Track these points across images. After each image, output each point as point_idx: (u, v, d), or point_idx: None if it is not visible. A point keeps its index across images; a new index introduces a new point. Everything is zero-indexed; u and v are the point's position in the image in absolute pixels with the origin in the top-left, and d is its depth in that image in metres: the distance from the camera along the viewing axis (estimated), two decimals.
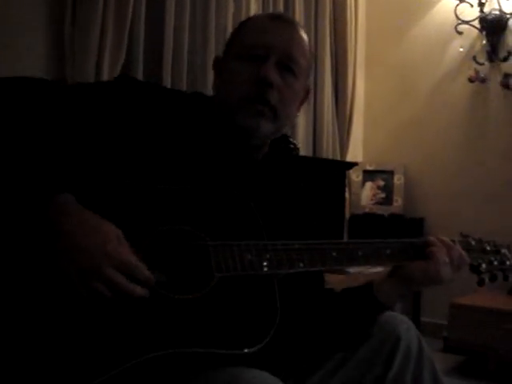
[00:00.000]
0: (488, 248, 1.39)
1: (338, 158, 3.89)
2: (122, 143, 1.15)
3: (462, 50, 3.83)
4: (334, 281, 2.78)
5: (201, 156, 1.22)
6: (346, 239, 3.23)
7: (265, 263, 1.11)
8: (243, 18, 3.11)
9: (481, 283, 1.37)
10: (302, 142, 3.59)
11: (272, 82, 1.21)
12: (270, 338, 1.04)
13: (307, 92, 1.37)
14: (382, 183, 4.04)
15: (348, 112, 3.98)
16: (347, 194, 3.87)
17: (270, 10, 3.41)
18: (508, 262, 1.39)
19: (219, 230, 1.11)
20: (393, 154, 4.11)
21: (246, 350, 1.02)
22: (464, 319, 3.23)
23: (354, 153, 4.14)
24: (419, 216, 3.93)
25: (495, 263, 1.38)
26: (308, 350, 1.31)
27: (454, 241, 1.32)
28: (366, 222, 3.90)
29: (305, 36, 1.31)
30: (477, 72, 3.76)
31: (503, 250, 1.40)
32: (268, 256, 1.12)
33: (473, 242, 1.38)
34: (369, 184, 4.06)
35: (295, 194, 1.39)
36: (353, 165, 3.62)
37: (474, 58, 3.77)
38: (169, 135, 1.20)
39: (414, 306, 3.86)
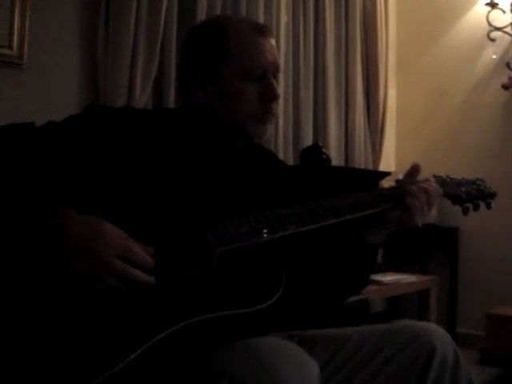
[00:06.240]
0: (463, 182, 1.50)
1: (371, 168, 3.87)
2: (107, 164, 1.23)
3: (494, 57, 3.79)
4: (369, 291, 2.77)
5: (184, 158, 1.31)
6: (380, 250, 3.20)
7: (259, 231, 1.20)
8: (274, 29, 3.13)
9: (465, 212, 1.49)
10: (333, 151, 3.59)
11: (279, 96, 1.37)
12: (280, 294, 1.14)
13: None
14: None
15: (380, 121, 3.96)
16: None
17: (301, 20, 3.42)
18: (485, 190, 1.50)
19: (213, 217, 1.20)
20: (426, 162, 4.04)
21: (257, 307, 1.10)
22: (502, 330, 3.18)
23: (387, 162, 4.11)
24: (453, 226, 3.88)
25: (473, 192, 1.49)
26: (317, 300, 1.41)
27: (428, 179, 1.43)
28: (400, 233, 3.86)
29: None
30: (510, 79, 3.71)
31: (478, 181, 1.52)
32: (260, 225, 1.21)
33: (448, 179, 1.49)
34: None
35: (276, 171, 1.49)
36: (385, 174, 3.59)
37: (508, 65, 3.73)
38: (148, 147, 1.29)
39: (449, 317, 3.81)
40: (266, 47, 1.35)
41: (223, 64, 1.33)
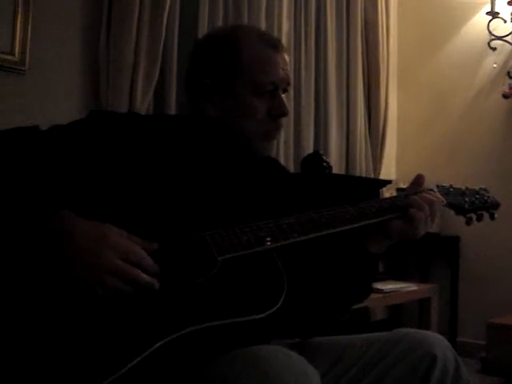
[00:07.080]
0: (466, 191, 1.48)
1: (371, 176, 3.87)
2: (112, 169, 1.23)
3: (495, 65, 3.79)
4: (370, 299, 2.76)
5: (187, 166, 1.30)
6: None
7: (261, 240, 1.20)
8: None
9: (468, 223, 1.48)
10: (334, 159, 3.58)
11: (288, 112, 1.35)
12: (281, 303, 1.13)
13: None
14: None
15: (381, 129, 3.96)
16: None
17: (302, 28, 3.43)
18: (489, 200, 1.49)
19: (215, 225, 1.20)
20: (427, 171, 4.03)
21: (258, 316, 1.10)
22: (502, 339, 3.17)
23: (388, 170, 4.11)
24: (455, 234, 3.87)
25: (477, 202, 1.47)
26: (319, 309, 1.39)
27: (432, 189, 1.43)
28: (401, 241, 3.85)
29: None
30: (511, 88, 3.72)
31: (481, 191, 1.50)
32: (262, 234, 1.20)
33: (451, 189, 1.48)
34: None
35: (278, 179, 1.48)
36: (386, 182, 3.59)
37: (508, 74, 3.73)
38: (152, 153, 1.28)
39: (449, 326, 3.80)
40: (279, 62, 1.34)
41: (235, 78, 1.32)
